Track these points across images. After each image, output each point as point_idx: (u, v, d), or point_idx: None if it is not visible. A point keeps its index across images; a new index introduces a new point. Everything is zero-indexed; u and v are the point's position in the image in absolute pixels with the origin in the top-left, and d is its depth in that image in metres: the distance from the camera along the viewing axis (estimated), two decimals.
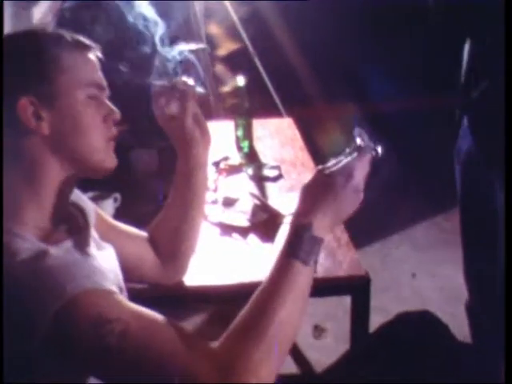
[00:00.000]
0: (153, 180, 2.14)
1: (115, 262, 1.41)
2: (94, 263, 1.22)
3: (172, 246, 1.59)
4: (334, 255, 1.77)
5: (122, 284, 1.39)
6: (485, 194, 1.88)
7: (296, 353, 2.60)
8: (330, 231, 1.22)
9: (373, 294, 1.72)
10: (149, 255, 1.57)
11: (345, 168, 1.23)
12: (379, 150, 1.28)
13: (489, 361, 1.80)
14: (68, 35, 1.29)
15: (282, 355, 1.13)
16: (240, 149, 2.47)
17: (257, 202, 2.04)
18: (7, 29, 2.05)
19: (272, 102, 3.37)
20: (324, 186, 1.23)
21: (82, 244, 1.28)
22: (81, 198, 1.44)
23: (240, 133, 2.48)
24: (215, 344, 1.11)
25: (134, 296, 1.28)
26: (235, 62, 2.13)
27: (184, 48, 2.03)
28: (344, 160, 1.24)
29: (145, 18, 1.65)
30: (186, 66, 1.86)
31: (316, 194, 1.22)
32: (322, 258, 1.36)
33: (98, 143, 1.28)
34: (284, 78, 3.59)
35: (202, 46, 2.25)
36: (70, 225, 1.34)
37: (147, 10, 1.66)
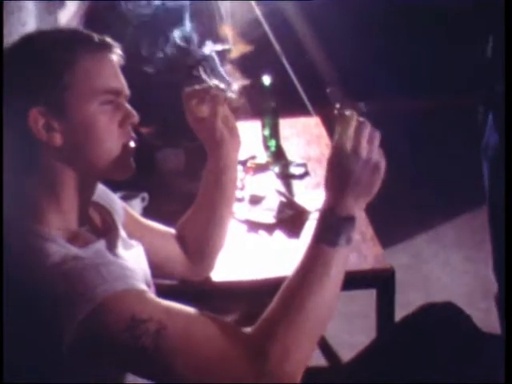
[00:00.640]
0: (179, 180, 2.16)
1: (143, 260, 1.42)
2: (123, 264, 1.22)
3: (200, 243, 1.60)
4: (359, 250, 1.78)
5: (150, 281, 1.41)
6: None
7: (327, 350, 2.60)
8: (356, 206, 1.20)
9: (401, 292, 1.73)
10: (176, 252, 1.59)
11: (341, 140, 1.20)
12: (362, 107, 1.25)
13: None
14: (85, 35, 1.25)
15: (313, 341, 1.15)
16: (267, 148, 2.48)
17: (283, 199, 2.06)
18: None
19: (300, 101, 3.38)
20: (331, 165, 1.22)
21: (110, 245, 1.29)
22: (108, 195, 1.45)
23: (267, 132, 2.49)
24: (249, 330, 1.14)
25: (162, 292, 1.30)
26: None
27: (212, 48, 2.06)
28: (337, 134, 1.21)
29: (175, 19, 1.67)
30: (212, 65, 1.89)
31: (329, 176, 1.22)
32: None
33: (114, 150, 1.25)
34: (311, 77, 3.60)
35: (228, 46, 2.26)
36: (98, 226, 1.35)
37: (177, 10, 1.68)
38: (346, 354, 2.62)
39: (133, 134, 1.28)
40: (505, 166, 1.56)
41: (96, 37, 1.25)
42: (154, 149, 2.20)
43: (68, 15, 2.37)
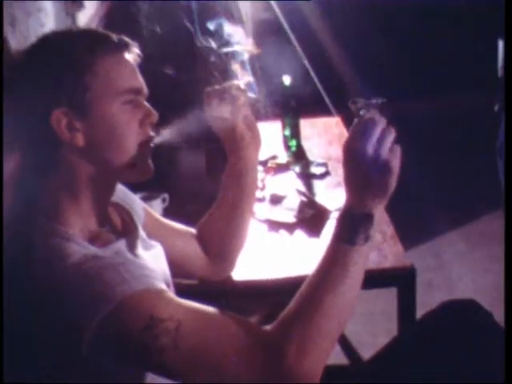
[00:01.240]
0: (200, 180, 2.17)
1: (163, 260, 1.43)
2: (142, 264, 1.22)
3: (221, 243, 1.60)
4: (380, 248, 1.77)
5: (170, 281, 1.41)
6: None
7: (348, 350, 2.60)
8: (373, 204, 1.17)
9: (425, 291, 1.72)
10: (197, 252, 1.59)
11: (354, 135, 1.17)
12: (380, 101, 1.22)
13: None
14: (103, 36, 1.25)
15: (332, 340, 1.15)
16: (287, 148, 2.48)
17: (303, 198, 2.06)
18: None
19: (321, 101, 3.39)
20: (345, 163, 1.20)
21: (130, 245, 1.29)
22: (128, 196, 1.46)
23: (287, 132, 2.49)
24: (268, 327, 1.14)
25: (182, 292, 1.30)
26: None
27: (237, 48, 2.06)
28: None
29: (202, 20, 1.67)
30: (237, 65, 1.88)
31: (343, 175, 1.21)
32: None
33: (134, 150, 1.25)
34: (332, 76, 3.60)
35: (252, 47, 2.27)
36: (118, 226, 1.36)
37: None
38: (368, 355, 2.64)
39: (152, 134, 1.29)
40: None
41: (114, 36, 1.26)
42: (175, 150, 2.21)
43: (87, 16, 2.38)
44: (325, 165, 2.32)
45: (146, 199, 1.81)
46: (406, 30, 3.92)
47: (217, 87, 1.52)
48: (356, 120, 1.20)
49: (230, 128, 1.52)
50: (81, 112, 1.20)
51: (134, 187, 1.49)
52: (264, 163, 2.33)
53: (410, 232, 1.93)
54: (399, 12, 3.83)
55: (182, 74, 2.04)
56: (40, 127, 1.20)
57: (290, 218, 1.98)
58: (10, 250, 1.17)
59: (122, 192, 1.42)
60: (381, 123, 1.17)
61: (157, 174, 1.31)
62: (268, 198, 2.11)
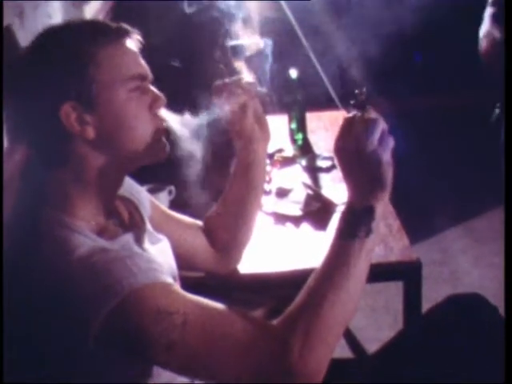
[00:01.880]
0: (206, 173, 2.16)
1: (170, 254, 1.43)
2: (149, 257, 1.22)
3: (227, 236, 1.61)
4: (386, 242, 1.77)
5: (176, 274, 1.42)
6: None
7: (354, 344, 2.60)
8: (374, 198, 1.17)
9: (432, 286, 1.72)
10: (203, 244, 1.59)
11: (340, 133, 1.19)
12: (363, 90, 1.23)
13: None
14: (102, 25, 1.26)
15: (336, 334, 1.15)
16: (294, 141, 2.48)
17: (310, 191, 2.06)
18: None
19: (327, 94, 3.38)
20: (338, 162, 1.20)
21: (137, 239, 1.30)
22: (135, 189, 1.46)
23: (294, 126, 2.49)
24: (274, 322, 1.14)
25: (189, 285, 1.30)
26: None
27: (248, 42, 2.05)
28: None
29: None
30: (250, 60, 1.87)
31: (341, 173, 1.21)
32: None
33: (147, 134, 1.25)
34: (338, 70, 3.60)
35: (264, 42, 2.26)
36: (125, 220, 1.36)
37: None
38: (372, 349, 2.64)
39: (162, 116, 1.29)
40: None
41: (113, 25, 1.25)
42: (182, 142, 2.20)
43: (94, 9, 2.38)
44: (331, 158, 2.32)
45: (152, 191, 1.81)
46: (409, 29, 3.92)
47: (227, 80, 1.52)
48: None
49: (240, 121, 1.52)
50: (89, 104, 1.20)
51: (141, 179, 1.49)
52: (270, 156, 2.33)
53: (416, 227, 1.93)
54: (402, 11, 3.83)
55: (189, 66, 2.04)
56: (50, 122, 1.20)
57: (297, 211, 1.98)
58: (17, 242, 1.17)
59: (128, 185, 1.42)
60: (365, 117, 1.18)
61: (163, 166, 1.32)
62: (274, 191, 2.11)
